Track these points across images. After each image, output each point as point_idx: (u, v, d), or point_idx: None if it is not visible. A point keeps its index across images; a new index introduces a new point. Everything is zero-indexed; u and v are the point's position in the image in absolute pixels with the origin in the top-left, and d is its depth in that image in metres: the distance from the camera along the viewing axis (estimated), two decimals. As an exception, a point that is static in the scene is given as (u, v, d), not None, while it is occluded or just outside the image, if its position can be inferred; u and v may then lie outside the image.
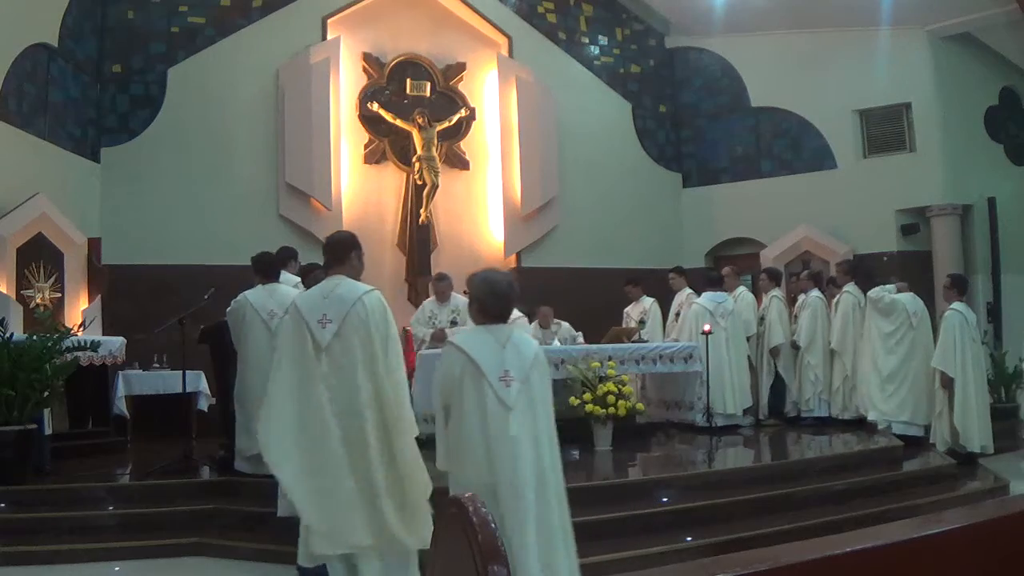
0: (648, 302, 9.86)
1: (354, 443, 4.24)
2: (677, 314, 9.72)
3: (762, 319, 9.63)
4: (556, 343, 8.76)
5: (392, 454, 4.27)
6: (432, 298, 8.62)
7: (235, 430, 6.37)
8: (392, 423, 4.30)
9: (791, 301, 9.91)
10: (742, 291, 9.79)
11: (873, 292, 8.61)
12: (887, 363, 8.40)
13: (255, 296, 6.31)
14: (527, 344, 3.78)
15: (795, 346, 9.47)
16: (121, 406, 8.44)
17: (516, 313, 8.59)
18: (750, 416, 9.43)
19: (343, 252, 4.52)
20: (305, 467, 4.25)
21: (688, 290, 9.82)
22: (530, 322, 8.96)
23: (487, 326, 3.77)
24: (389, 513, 4.21)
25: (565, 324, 9.28)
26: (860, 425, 8.76)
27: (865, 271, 9.46)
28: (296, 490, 4.26)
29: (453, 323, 8.15)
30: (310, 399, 4.29)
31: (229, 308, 6.45)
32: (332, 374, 4.29)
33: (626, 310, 10.10)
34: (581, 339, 9.19)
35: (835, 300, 9.41)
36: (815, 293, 9.61)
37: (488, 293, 3.78)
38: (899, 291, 8.67)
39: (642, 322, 9.54)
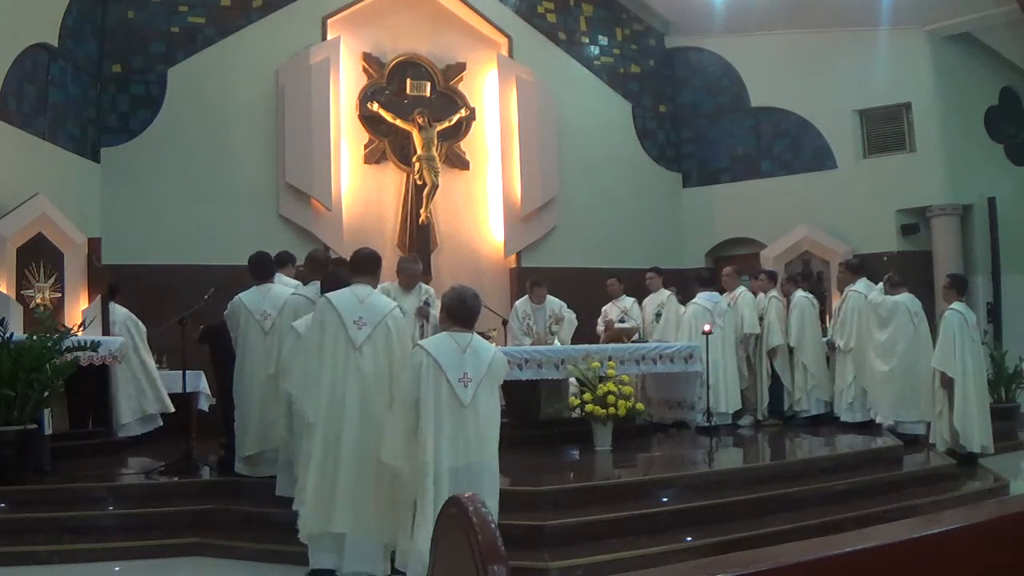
0: (628, 301, 9.82)
1: (368, 437, 4.69)
2: (658, 315, 9.70)
3: (761, 319, 9.62)
4: (554, 329, 8.89)
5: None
6: (526, 298, 9.15)
7: (234, 431, 6.38)
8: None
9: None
10: (742, 291, 9.77)
11: (874, 296, 8.65)
12: (889, 364, 8.45)
13: (249, 297, 6.32)
14: (486, 350, 4.37)
15: (831, 345, 9.42)
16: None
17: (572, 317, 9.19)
18: (750, 416, 9.45)
19: (374, 266, 5.23)
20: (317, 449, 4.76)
21: (666, 291, 9.81)
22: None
23: (452, 332, 4.35)
24: (385, 503, 4.66)
25: (557, 300, 9.25)
26: (863, 426, 8.74)
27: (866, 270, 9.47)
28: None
29: (557, 334, 8.93)
30: (337, 390, 4.79)
31: (226, 311, 6.47)
32: (364, 372, 4.82)
33: (604, 308, 9.92)
34: (567, 312, 9.17)
35: (841, 299, 9.39)
36: (800, 293, 9.61)
37: (457, 302, 4.37)
38: (891, 288, 8.67)
39: (622, 321, 9.51)
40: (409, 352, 4.86)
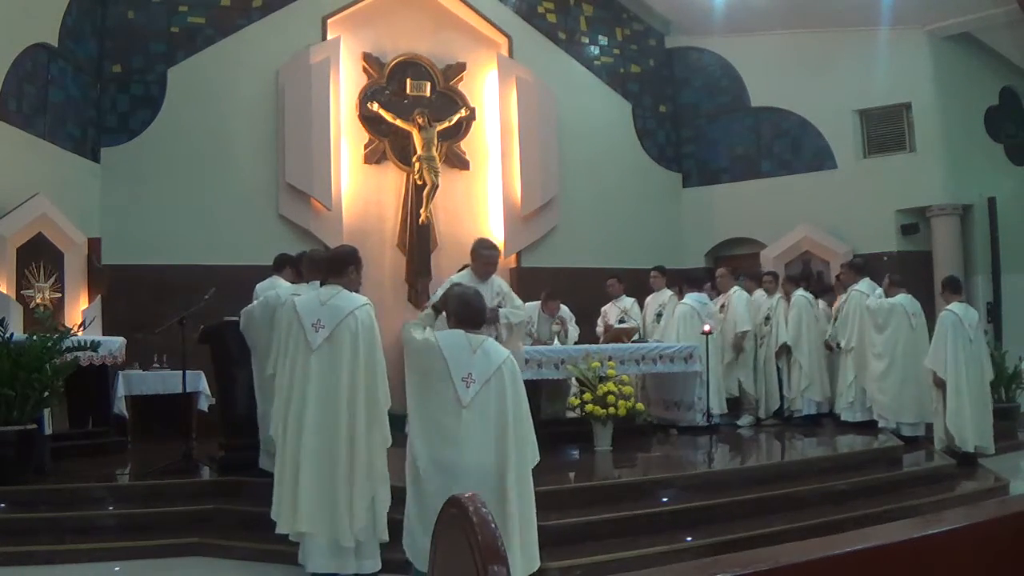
0: (628, 302, 9.80)
1: (326, 439, 4.77)
2: (659, 315, 9.70)
3: (767, 319, 9.63)
4: (555, 329, 8.86)
5: (354, 454, 4.80)
6: (538, 304, 8.99)
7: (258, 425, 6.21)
8: (365, 426, 4.86)
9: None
10: (736, 291, 9.76)
11: (871, 302, 8.66)
12: (887, 367, 8.47)
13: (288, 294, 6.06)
14: (497, 353, 4.22)
15: (829, 346, 9.43)
16: (121, 406, 8.43)
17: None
18: (750, 416, 9.45)
19: (344, 266, 5.10)
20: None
21: (668, 291, 9.81)
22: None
23: (465, 332, 4.23)
24: (344, 504, 4.74)
25: (569, 312, 9.23)
26: (864, 426, 8.74)
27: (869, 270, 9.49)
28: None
29: (558, 334, 8.80)
30: (295, 393, 4.86)
31: (260, 300, 6.18)
32: (320, 374, 4.84)
33: (604, 308, 9.89)
34: (573, 323, 9.13)
35: (842, 299, 9.38)
36: (800, 292, 9.62)
37: (462, 305, 4.29)
38: (891, 288, 8.69)
39: (622, 321, 9.52)
40: (380, 349, 4.97)
